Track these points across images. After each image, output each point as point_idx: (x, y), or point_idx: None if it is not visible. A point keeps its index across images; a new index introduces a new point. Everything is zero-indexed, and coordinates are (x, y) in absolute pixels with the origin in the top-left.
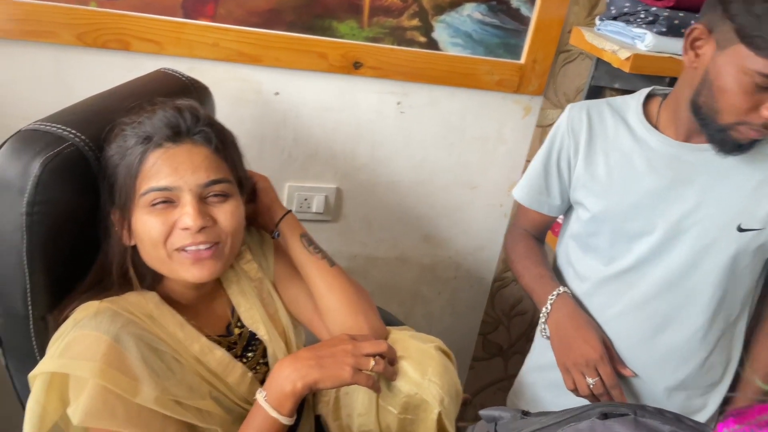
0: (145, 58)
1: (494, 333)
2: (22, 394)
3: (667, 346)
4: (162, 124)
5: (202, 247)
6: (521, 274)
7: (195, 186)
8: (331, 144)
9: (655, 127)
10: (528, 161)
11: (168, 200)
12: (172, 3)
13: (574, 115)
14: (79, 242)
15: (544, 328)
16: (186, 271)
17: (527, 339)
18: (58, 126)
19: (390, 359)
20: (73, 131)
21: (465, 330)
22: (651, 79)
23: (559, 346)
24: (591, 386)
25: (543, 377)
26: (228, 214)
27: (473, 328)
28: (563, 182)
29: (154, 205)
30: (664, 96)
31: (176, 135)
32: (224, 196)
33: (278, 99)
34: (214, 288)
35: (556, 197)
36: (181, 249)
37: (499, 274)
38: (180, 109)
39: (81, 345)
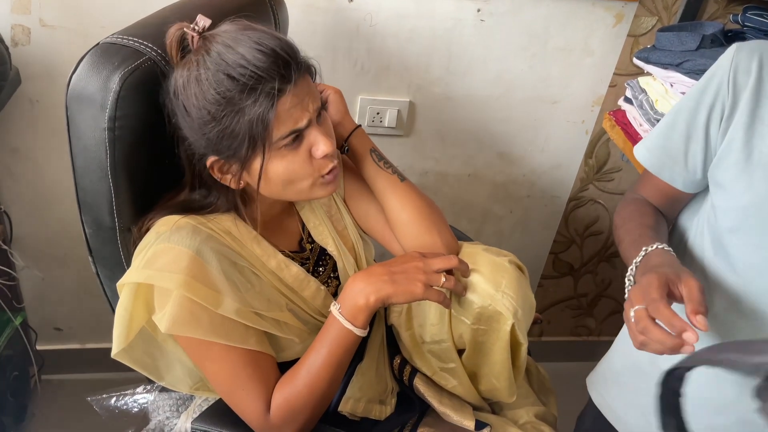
0: None
1: (566, 252)
2: (112, 300)
3: None
4: (274, 68)
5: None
6: (621, 239)
7: (315, 116)
8: (405, 55)
9: None
10: (617, 74)
11: (300, 137)
12: None
13: (740, 60)
14: (159, 156)
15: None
16: (324, 190)
17: (600, 259)
18: (135, 39)
19: (462, 272)
20: (149, 45)
21: (535, 248)
22: None
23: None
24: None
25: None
26: (330, 131)
27: (544, 247)
28: (710, 151)
29: (287, 145)
30: None
31: (290, 74)
32: (320, 116)
33: (352, 7)
34: (288, 206)
35: (698, 170)
36: (324, 174)
37: (575, 194)
38: (272, 43)
39: (165, 257)
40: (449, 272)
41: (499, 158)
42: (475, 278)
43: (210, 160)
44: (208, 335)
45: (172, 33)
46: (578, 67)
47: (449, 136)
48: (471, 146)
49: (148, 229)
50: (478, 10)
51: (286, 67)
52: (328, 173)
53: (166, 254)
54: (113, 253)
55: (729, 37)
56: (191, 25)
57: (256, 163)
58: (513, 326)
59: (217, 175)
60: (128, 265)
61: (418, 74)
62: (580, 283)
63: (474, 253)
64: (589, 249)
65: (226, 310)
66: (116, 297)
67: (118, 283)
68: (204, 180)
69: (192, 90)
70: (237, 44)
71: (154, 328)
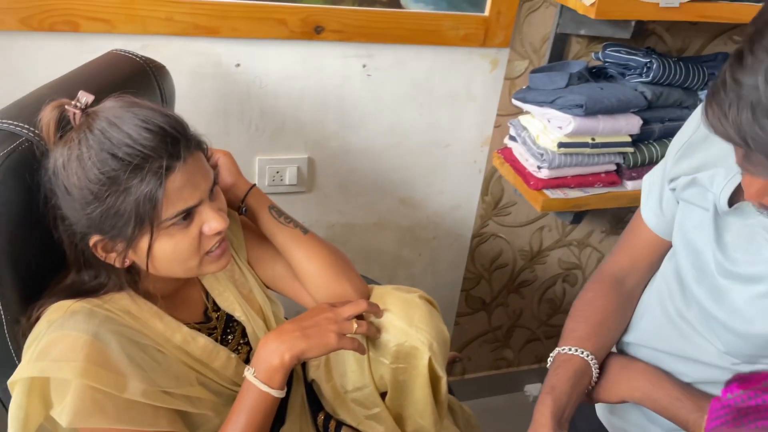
0: (97, 39)
1: (476, 288)
2: (4, 399)
3: None
4: (162, 146)
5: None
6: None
7: (207, 193)
8: (298, 113)
9: None
10: (500, 115)
11: (190, 214)
12: None
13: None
14: (44, 241)
15: None
16: (215, 265)
17: (509, 291)
18: (9, 122)
19: (375, 313)
20: (25, 126)
21: (448, 288)
22: (618, 24)
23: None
24: None
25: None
26: (223, 205)
27: (455, 285)
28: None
29: (177, 224)
30: None
31: (178, 152)
32: (213, 192)
33: (240, 71)
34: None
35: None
36: (211, 251)
37: (477, 231)
38: (160, 120)
39: (60, 346)
40: (360, 317)
41: (401, 204)
42: (387, 318)
43: (93, 239)
44: (115, 423)
45: (48, 113)
46: (464, 111)
47: (351, 187)
48: (373, 195)
49: (38, 318)
50: (364, 66)
51: (174, 144)
52: (216, 248)
53: (60, 342)
54: (1, 348)
55: (593, 73)
56: (73, 102)
57: (143, 242)
58: (430, 359)
59: (101, 254)
60: (19, 359)
61: (313, 130)
62: (494, 317)
63: (383, 294)
64: (498, 282)
65: (132, 392)
66: (8, 396)
67: (9, 381)
68: (88, 260)
69: (73, 169)
70: (122, 122)
71: (54, 423)
